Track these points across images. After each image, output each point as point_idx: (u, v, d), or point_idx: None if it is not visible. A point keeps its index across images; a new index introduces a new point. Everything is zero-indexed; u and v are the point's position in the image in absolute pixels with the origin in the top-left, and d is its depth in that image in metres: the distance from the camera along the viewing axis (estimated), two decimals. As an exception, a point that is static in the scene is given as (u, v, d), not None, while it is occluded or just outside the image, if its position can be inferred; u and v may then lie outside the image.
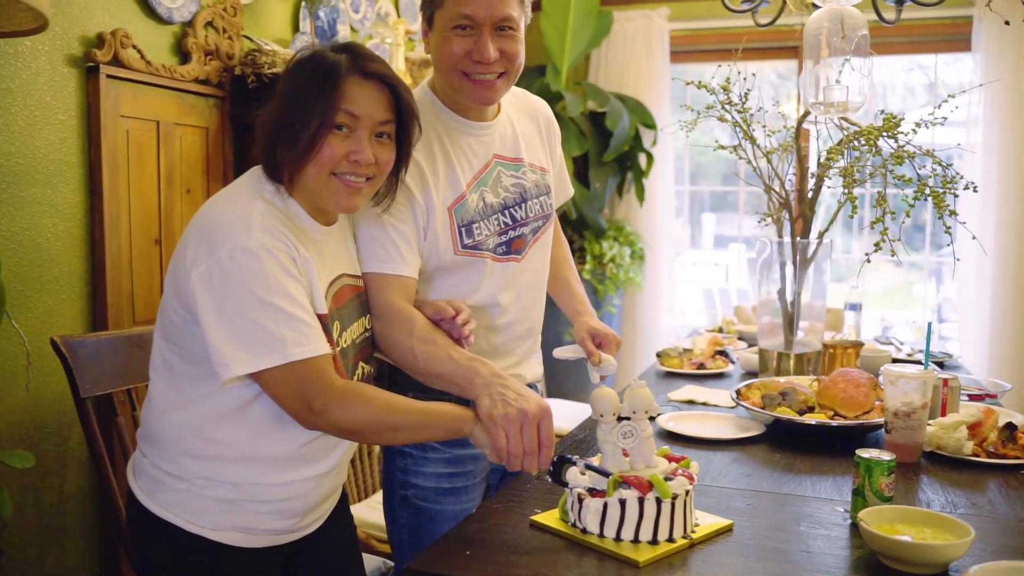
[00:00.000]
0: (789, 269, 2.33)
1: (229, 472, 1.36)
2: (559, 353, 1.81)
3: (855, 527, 1.34)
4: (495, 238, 1.66)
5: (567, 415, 3.45)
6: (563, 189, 1.94)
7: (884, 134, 1.95)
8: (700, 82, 2.26)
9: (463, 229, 1.62)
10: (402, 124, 1.42)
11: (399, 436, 1.38)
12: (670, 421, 1.95)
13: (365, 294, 1.52)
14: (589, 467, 1.31)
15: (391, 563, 2.08)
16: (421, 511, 1.69)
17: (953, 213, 1.91)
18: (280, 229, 1.30)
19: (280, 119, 1.34)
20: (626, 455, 1.33)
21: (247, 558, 1.40)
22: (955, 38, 4.23)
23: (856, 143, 2.01)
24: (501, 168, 1.70)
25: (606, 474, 1.28)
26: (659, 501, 1.25)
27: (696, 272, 6.21)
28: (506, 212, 1.69)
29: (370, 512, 2.39)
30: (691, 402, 2.22)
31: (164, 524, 1.37)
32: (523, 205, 1.71)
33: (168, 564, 1.40)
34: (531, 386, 1.85)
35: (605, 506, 1.25)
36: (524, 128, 1.78)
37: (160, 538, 1.39)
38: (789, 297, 2.34)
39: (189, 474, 1.37)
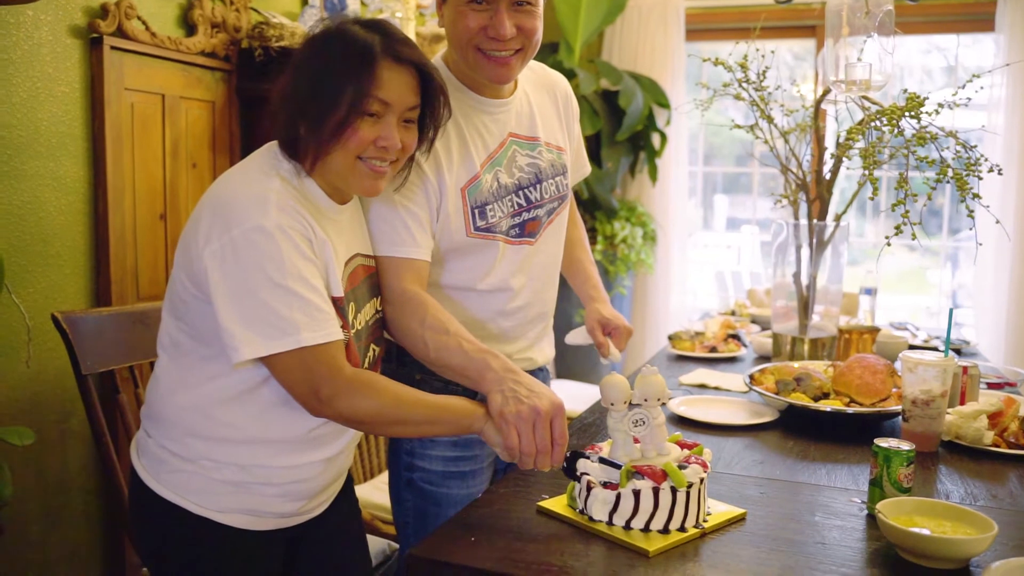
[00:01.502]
0: (805, 252, 2.28)
1: (236, 454, 1.33)
2: (570, 339, 1.78)
3: (872, 518, 1.30)
4: (508, 220, 1.61)
5: (576, 396, 3.42)
6: (580, 167, 1.88)
7: (907, 114, 1.88)
8: (717, 59, 2.20)
9: (476, 211, 1.56)
10: (426, 107, 1.38)
11: (406, 429, 1.33)
12: (681, 405, 1.91)
13: (377, 275, 1.48)
14: (603, 461, 1.27)
15: (396, 545, 2.05)
16: (427, 494, 1.65)
17: (976, 196, 1.85)
18: (297, 209, 1.26)
19: (305, 96, 1.29)
20: (637, 442, 1.29)
21: (252, 540, 1.37)
22: (978, 18, 4.14)
23: (878, 123, 1.95)
24: (516, 147, 1.64)
25: (619, 467, 1.24)
26: (674, 490, 1.21)
27: (708, 254, 6.15)
28: (520, 193, 1.63)
29: (375, 493, 2.37)
30: (703, 386, 2.18)
31: (168, 505, 1.34)
32: (538, 186, 1.66)
33: (172, 545, 1.38)
34: (541, 369, 1.81)
35: (618, 497, 1.21)
36: (541, 105, 1.72)
37: (164, 519, 1.36)
38: (804, 280, 2.29)
39: (195, 455, 1.33)
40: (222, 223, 1.23)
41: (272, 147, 1.35)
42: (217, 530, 1.34)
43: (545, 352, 1.79)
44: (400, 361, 1.64)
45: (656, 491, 1.21)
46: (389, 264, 1.48)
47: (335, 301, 1.30)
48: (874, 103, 2.06)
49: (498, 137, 1.61)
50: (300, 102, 1.29)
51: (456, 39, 1.52)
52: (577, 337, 1.77)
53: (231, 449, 1.33)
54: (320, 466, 1.39)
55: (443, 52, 1.64)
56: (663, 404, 1.30)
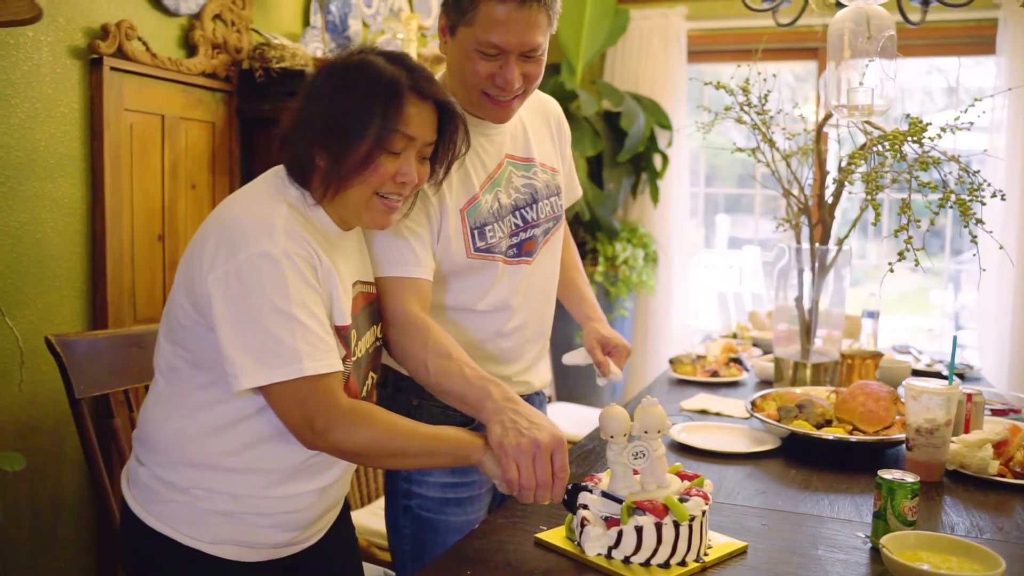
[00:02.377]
0: (807, 276, 2.26)
1: (229, 483, 1.30)
2: (568, 359, 1.76)
3: (876, 552, 1.28)
4: (507, 240, 1.61)
5: (576, 419, 3.40)
6: (572, 190, 1.88)
7: (909, 139, 1.87)
8: (719, 83, 2.20)
9: (475, 232, 1.56)
10: (439, 143, 1.37)
11: (403, 461, 1.31)
12: (682, 432, 1.89)
13: (376, 302, 1.45)
14: (605, 495, 1.25)
15: (392, 573, 2.03)
16: (424, 521, 1.63)
17: (980, 222, 1.83)
18: (303, 236, 1.24)
19: (327, 127, 1.27)
20: (636, 474, 1.27)
21: (245, 572, 1.35)
22: (979, 41, 4.14)
23: (880, 147, 1.94)
24: (512, 168, 1.65)
25: (621, 502, 1.22)
26: (676, 524, 1.19)
27: (710, 275, 6.13)
28: (517, 213, 1.63)
29: (372, 519, 2.34)
30: (704, 412, 2.15)
31: (159, 536, 1.32)
32: (534, 206, 1.66)
33: None
34: (538, 393, 1.79)
35: (620, 533, 1.19)
36: (535, 127, 1.72)
37: (154, 550, 1.33)
38: (807, 305, 2.27)
39: (187, 483, 1.31)
40: (228, 248, 1.21)
41: (279, 171, 1.33)
42: (209, 562, 1.31)
43: (542, 375, 1.78)
44: (396, 387, 1.62)
45: (659, 526, 1.18)
46: (392, 285, 1.46)
47: (340, 330, 1.28)
48: (876, 128, 2.04)
49: (496, 158, 1.62)
50: (320, 132, 1.27)
51: (462, 80, 1.53)
52: (575, 357, 1.76)
53: (224, 477, 1.30)
54: (314, 496, 1.37)
55: (441, 74, 1.63)
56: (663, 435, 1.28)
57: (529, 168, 1.67)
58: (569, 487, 1.26)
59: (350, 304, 1.33)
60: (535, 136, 1.71)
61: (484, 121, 1.60)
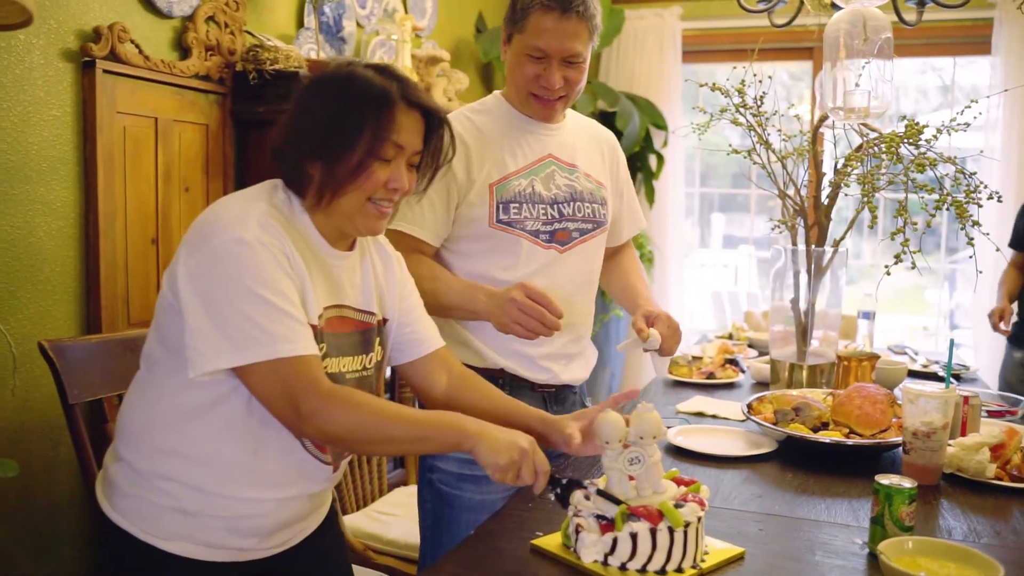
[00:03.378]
0: (803, 278, 2.26)
1: (190, 473, 1.31)
2: (622, 346, 1.87)
3: (873, 557, 1.27)
4: (538, 223, 1.78)
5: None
6: (633, 218, 2.10)
7: (906, 141, 1.87)
8: (714, 84, 2.19)
9: (501, 205, 1.76)
10: (425, 151, 1.41)
11: (392, 447, 1.35)
12: (679, 436, 1.88)
13: (372, 332, 1.46)
14: (601, 493, 1.24)
15: (388, 577, 2.02)
16: (442, 495, 1.75)
17: (976, 224, 1.83)
18: (278, 230, 1.27)
19: (320, 138, 1.31)
20: (632, 480, 1.26)
21: (205, 572, 1.35)
22: (974, 40, 4.14)
23: (876, 150, 1.93)
24: (556, 167, 1.84)
25: (617, 501, 1.21)
26: (671, 530, 1.18)
27: (705, 273, 6.13)
28: (555, 206, 1.81)
29: (368, 522, 2.33)
30: (700, 414, 2.15)
31: (120, 531, 1.34)
32: (572, 204, 1.83)
33: (125, 573, 1.36)
34: (569, 387, 1.91)
35: (615, 540, 1.18)
36: (585, 146, 1.92)
37: (117, 546, 1.35)
38: (803, 306, 2.26)
39: (150, 468, 1.32)
40: (203, 235, 1.25)
41: (274, 181, 1.37)
42: (166, 559, 1.32)
43: (573, 371, 1.89)
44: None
45: (654, 532, 1.18)
46: (393, 236, 1.67)
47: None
48: (872, 130, 2.04)
49: (537, 153, 1.83)
50: (313, 143, 1.31)
51: (514, 81, 1.81)
52: (627, 344, 1.84)
53: (185, 466, 1.31)
54: (271, 505, 1.36)
55: (502, 90, 1.89)
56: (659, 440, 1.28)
57: (572, 172, 1.87)
58: (564, 481, 1.28)
59: (321, 315, 1.34)
60: (583, 150, 1.91)
61: (534, 120, 1.84)
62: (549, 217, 1.80)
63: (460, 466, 1.72)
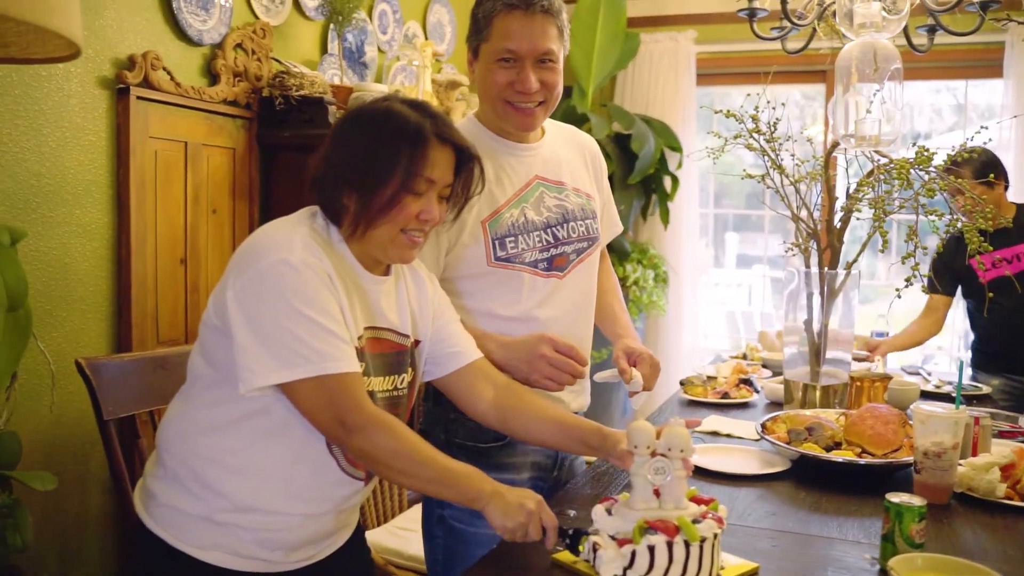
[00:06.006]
0: (816, 299, 2.30)
1: (222, 481, 1.37)
2: (599, 377, 1.82)
3: (884, 573, 1.31)
4: (535, 253, 1.72)
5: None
6: (611, 224, 2.00)
7: (916, 167, 1.92)
8: (728, 111, 2.24)
9: (497, 242, 1.68)
10: (456, 183, 1.46)
11: (414, 483, 1.38)
12: (694, 454, 1.92)
13: (405, 354, 1.51)
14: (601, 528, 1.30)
15: (409, 592, 2.06)
16: (456, 532, 1.70)
17: (987, 249, 1.87)
18: (320, 252, 1.33)
19: (355, 171, 1.36)
20: (657, 495, 1.31)
21: None
22: (986, 64, 4.18)
23: (887, 175, 1.98)
24: (544, 189, 1.76)
25: (611, 535, 1.27)
26: (687, 544, 1.23)
27: (719, 293, 6.16)
28: (548, 231, 1.74)
29: (389, 538, 2.38)
30: (715, 433, 2.19)
31: (155, 538, 1.39)
32: (565, 225, 1.77)
33: None
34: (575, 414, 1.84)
35: (634, 554, 1.23)
36: (568, 157, 1.84)
37: (150, 552, 1.40)
38: (816, 328, 2.30)
39: (185, 475, 1.38)
40: (250, 258, 1.31)
41: (311, 208, 1.43)
42: (197, 567, 1.38)
43: (579, 398, 1.85)
44: (436, 400, 1.71)
45: (670, 545, 1.22)
46: None
47: None
48: (883, 156, 2.09)
49: (524, 177, 1.74)
50: (349, 176, 1.37)
51: (486, 93, 1.70)
52: (606, 375, 1.80)
53: (218, 474, 1.37)
54: (297, 520, 1.41)
55: (475, 111, 1.80)
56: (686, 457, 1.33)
57: (560, 191, 1.78)
58: (571, 531, 1.33)
59: (361, 337, 1.40)
60: (568, 164, 1.83)
61: (516, 144, 1.75)
62: (545, 243, 1.73)
63: None
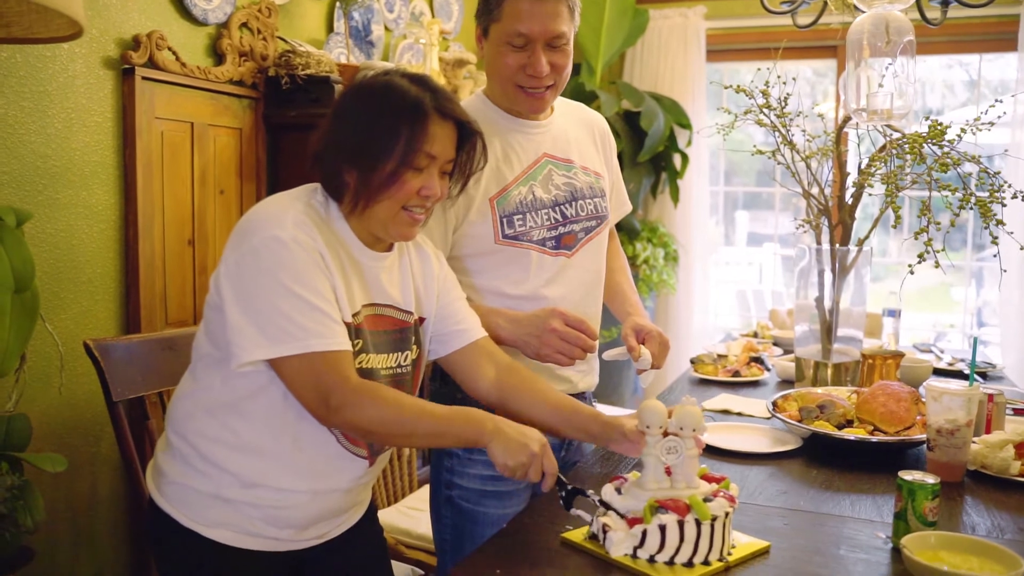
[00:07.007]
0: (828, 277, 2.28)
1: (229, 460, 1.37)
2: (608, 355, 1.81)
3: (897, 552, 1.30)
4: (543, 231, 1.70)
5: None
6: (620, 204, 1.98)
7: (929, 141, 1.89)
8: (739, 87, 2.22)
9: (504, 220, 1.67)
10: (458, 159, 1.44)
11: (413, 441, 1.40)
12: (705, 432, 1.91)
13: (409, 331, 1.49)
14: (603, 503, 1.30)
15: (420, 571, 2.07)
16: (464, 512, 1.71)
17: (1000, 223, 1.85)
18: (312, 228, 1.32)
19: (355, 147, 1.35)
20: (668, 473, 1.30)
21: (244, 559, 1.41)
22: (1000, 37, 4.13)
23: (899, 150, 1.95)
24: (552, 167, 1.75)
25: (621, 513, 1.27)
26: (698, 523, 1.22)
27: (729, 271, 6.13)
28: (556, 209, 1.73)
29: (400, 517, 2.38)
30: (726, 412, 2.18)
31: (166, 516, 1.40)
32: (573, 203, 1.75)
33: (171, 560, 1.44)
34: (583, 395, 1.85)
35: (645, 533, 1.22)
36: (577, 135, 1.83)
37: (163, 530, 1.42)
38: (827, 305, 2.29)
39: (193, 454, 1.39)
40: (242, 235, 1.31)
41: (313, 185, 1.42)
42: (209, 545, 1.39)
43: (587, 377, 1.84)
44: (443, 380, 1.71)
45: (681, 524, 1.22)
46: None
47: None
48: (896, 130, 2.06)
49: (532, 155, 1.73)
50: (349, 151, 1.35)
51: (496, 75, 1.69)
52: (615, 353, 1.79)
53: (224, 453, 1.37)
54: (304, 497, 1.41)
55: (483, 88, 1.78)
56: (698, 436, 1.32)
57: (569, 168, 1.77)
58: (568, 487, 1.34)
59: (359, 313, 1.39)
60: (577, 142, 1.81)
61: (525, 121, 1.73)
62: (553, 221, 1.72)
63: (483, 483, 1.69)
